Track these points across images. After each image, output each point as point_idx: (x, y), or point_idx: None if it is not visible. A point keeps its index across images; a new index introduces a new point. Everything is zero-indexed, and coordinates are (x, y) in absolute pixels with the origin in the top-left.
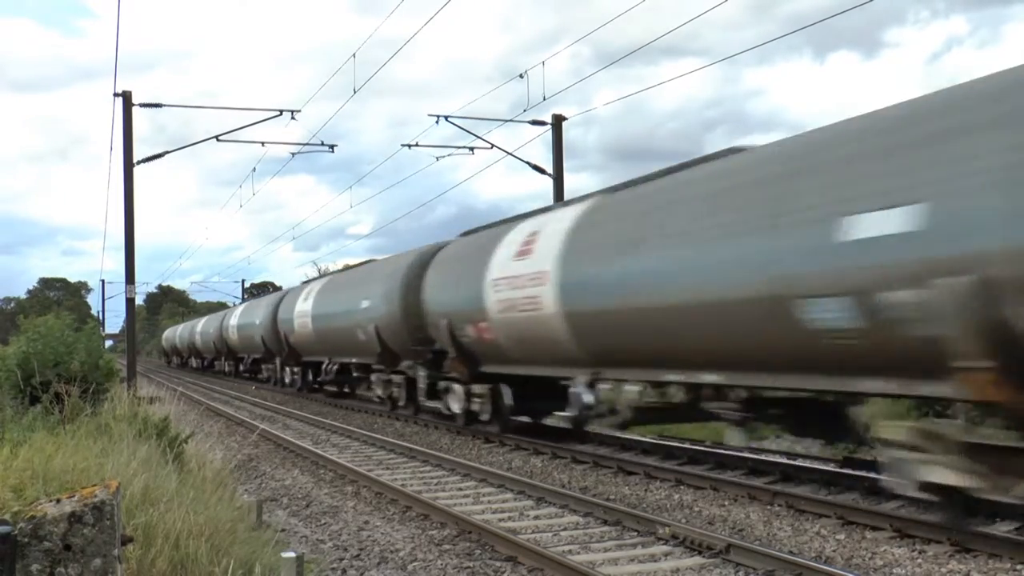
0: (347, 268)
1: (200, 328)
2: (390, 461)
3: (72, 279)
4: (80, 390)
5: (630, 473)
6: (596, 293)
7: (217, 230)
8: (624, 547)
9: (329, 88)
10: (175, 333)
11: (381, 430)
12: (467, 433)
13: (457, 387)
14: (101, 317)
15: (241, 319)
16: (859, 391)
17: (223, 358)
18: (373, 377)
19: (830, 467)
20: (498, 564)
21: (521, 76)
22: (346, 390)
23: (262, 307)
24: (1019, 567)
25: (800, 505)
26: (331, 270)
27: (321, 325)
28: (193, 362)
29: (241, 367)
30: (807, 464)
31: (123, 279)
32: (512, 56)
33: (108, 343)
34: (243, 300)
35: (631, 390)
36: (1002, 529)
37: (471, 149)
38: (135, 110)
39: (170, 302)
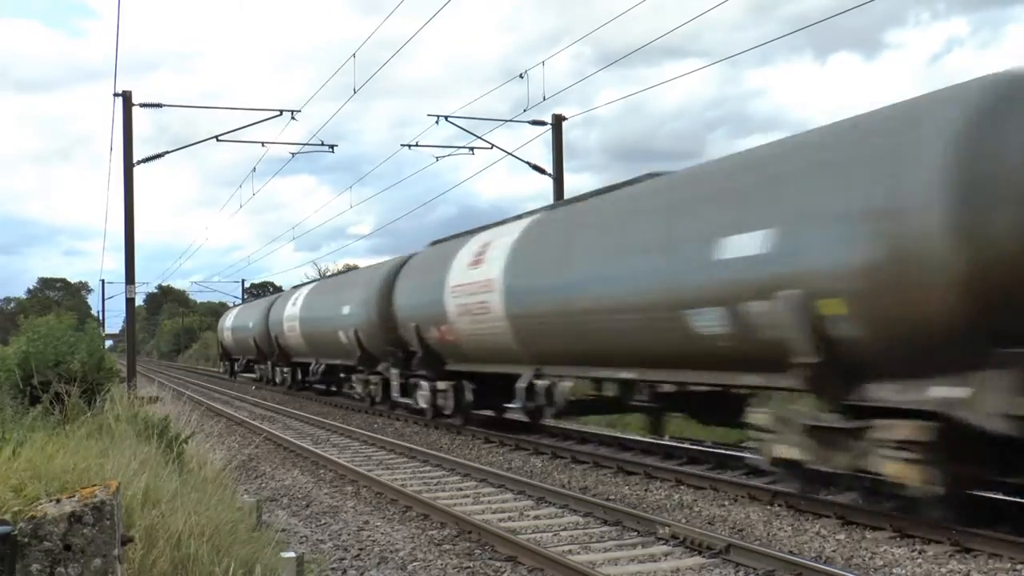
0: (346, 270)
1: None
2: (390, 461)
3: (72, 279)
4: (80, 390)
5: (630, 473)
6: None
7: (217, 230)
8: (624, 547)
9: (330, 88)
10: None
11: (381, 430)
12: (467, 433)
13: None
14: (101, 317)
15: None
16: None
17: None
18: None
19: (830, 467)
20: (498, 564)
21: (521, 76)
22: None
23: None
24: (1019, 567)
25: (800, 505)
26: (331, 270)
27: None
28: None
29: (236, 367)
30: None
31: (123, 279)
32: (514, 56)
33: (108, 343)
34: (243, 300)
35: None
36: (1003, 529)
37: (471, 149)
38: (136, 110)
39: (170, 302)
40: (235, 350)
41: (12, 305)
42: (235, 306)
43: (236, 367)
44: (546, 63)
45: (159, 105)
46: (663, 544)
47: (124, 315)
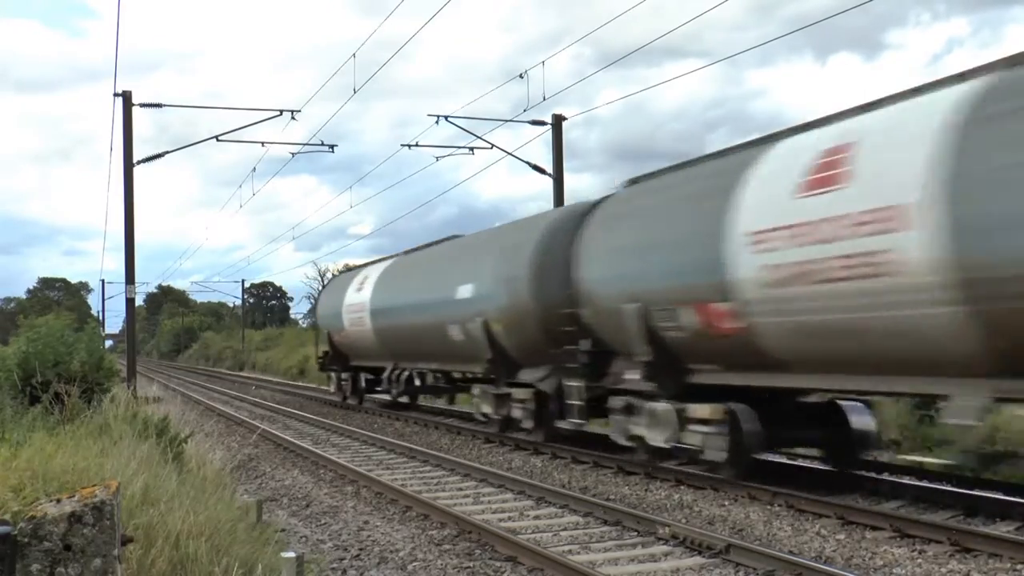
0: (346, 270)
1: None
2: (390, 461)
3: (73, 279)
4: (80, 390)
5: (630, 473)
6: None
7: (217, 230)
8: (624, 547)
9: (331, 89)
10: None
11: (381, 430)
12: (467, 433)
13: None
14: (101, 317)
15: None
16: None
17: None
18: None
19: (830, 467)
20: (498, 564)
21: (521, 76)
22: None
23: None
24: (1019, 567)
25: (800, 505)
26: (331, 270)
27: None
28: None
29: (370, 383)
30: (807, 464)
31: (123, 279)
32: (514, 56)
33: (108, 343)
34: (243, 301)
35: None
36: (1002, 529)
37: (471, 149)
38: (136, 110)
39: (170, 302)
40: (375, 352)
41: (12, 305)
42: (370, 263)
43: (367, 383)
44: (546, 63)
45: (159, 105)
46: (663, 544)
47: (124, 315)
